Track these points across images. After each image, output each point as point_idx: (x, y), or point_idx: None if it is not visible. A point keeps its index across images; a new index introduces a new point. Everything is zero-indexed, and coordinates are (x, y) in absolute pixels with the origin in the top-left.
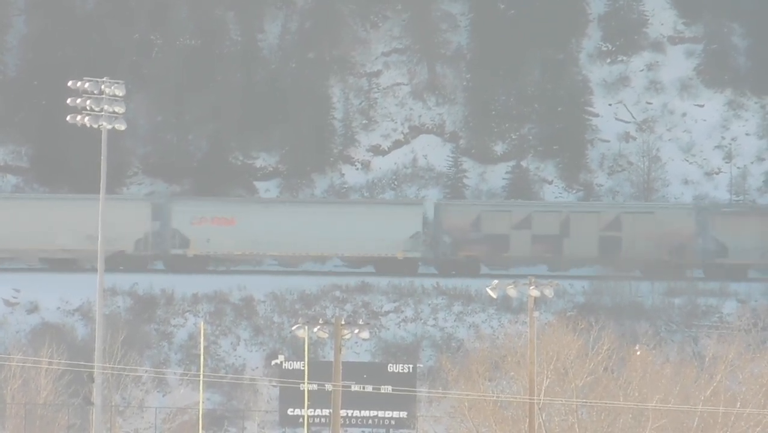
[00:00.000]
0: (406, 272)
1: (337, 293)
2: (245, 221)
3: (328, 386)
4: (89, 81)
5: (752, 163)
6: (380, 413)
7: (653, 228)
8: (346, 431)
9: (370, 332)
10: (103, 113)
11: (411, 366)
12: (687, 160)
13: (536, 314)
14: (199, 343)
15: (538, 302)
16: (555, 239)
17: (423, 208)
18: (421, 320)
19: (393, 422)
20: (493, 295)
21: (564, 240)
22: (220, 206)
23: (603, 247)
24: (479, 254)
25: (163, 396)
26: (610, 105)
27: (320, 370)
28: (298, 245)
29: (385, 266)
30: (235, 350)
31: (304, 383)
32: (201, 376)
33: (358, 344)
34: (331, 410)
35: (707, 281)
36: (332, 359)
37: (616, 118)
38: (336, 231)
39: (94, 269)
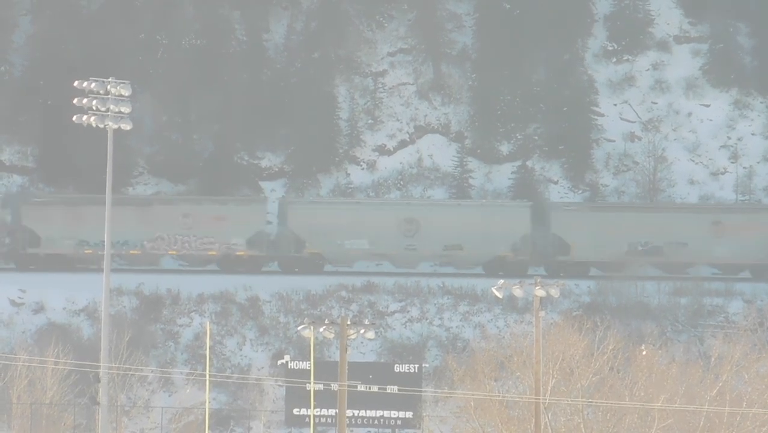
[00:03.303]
0: None
1: (343, 293)
2: None
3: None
4: (95, 81)
5: (758, 162)
6: (386, 413)
7: None
8: (352, 431)
9: (376, 332)
10: (108, 113)
11: (417, 366)
12: (693, 160)
13: (542, 313)
14: (205, 343)
15: (544, 302)
16: None
17: None
18: (426, 319)
19: (399, 422)
20: (499, 295)
21: None
22: None
23: None
24: None
25: (169, 396)
26: (615, 105)
27: (326, 370)
28: None
29: None
30: (241, 349)
31: (310, 382)
32: (207, 376)
33: (363, 344)
34: (336, 410)
35: (712, 281)
36: (338, 359)
37: (622, 118)
38: None
39: (100, 269)
